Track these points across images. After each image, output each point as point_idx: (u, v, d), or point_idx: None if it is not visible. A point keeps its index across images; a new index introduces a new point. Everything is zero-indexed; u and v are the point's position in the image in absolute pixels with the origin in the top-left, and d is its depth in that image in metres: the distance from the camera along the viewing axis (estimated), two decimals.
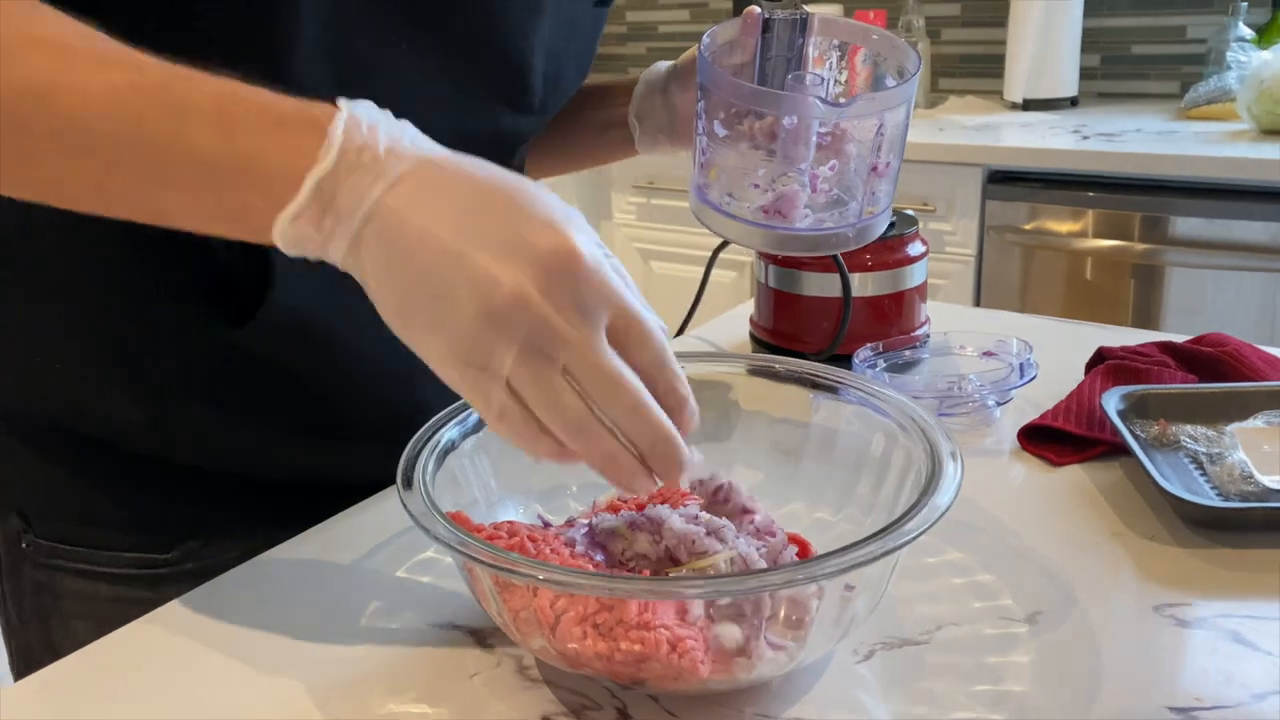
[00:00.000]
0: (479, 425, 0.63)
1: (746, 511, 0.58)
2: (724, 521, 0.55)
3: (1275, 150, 1.82)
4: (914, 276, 0.94)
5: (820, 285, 0.92)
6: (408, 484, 0.56)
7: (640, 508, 0.64)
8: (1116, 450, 0.77)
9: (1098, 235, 1.99)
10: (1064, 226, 2.01)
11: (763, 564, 0.54)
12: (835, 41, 0.75)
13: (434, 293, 0.45)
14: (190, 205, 0.48)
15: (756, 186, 0.74)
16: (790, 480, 0.69)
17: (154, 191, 0.48)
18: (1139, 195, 1.93)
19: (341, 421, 0.74)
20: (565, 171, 0.98)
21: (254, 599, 0.66)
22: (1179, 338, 0.91)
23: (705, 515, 0.56)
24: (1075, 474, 0.76)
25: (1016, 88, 2.29)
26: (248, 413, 0.72)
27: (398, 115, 0.48)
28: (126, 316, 0.68)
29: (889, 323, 0.94)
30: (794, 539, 0.60)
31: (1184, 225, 1.91)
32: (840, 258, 0.89)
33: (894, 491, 0.59)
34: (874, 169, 0.73)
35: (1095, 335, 1.00)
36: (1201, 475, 0.71)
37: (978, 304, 2.12)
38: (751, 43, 0.74)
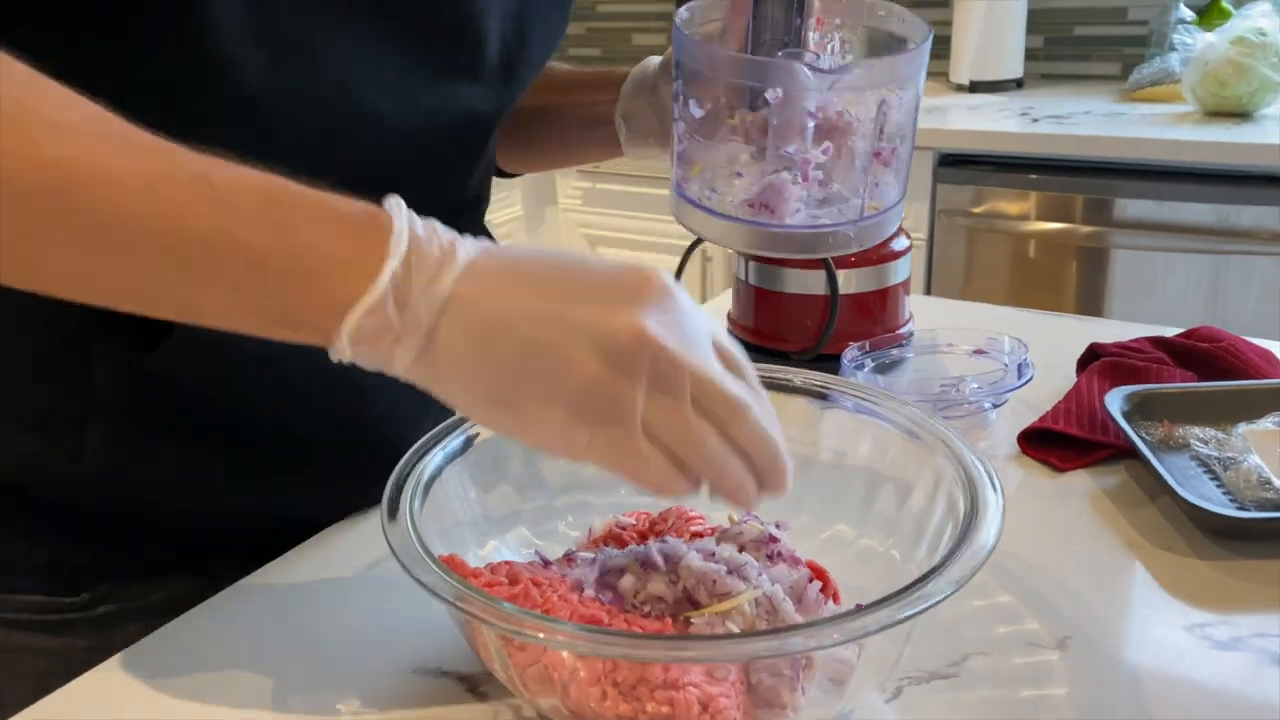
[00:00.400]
0: (463, 448, 0.58)
1: (773, 539, 0.54)
2: (745, 558, 0.51)
3: (1219, 132, 1.83)
4: (899, 272, 0.90)
5: (804, 282, 0.88)
6: (392, 514, 0.50)
7: (641, 535, 0.59)
8: (1120, 453, 0.74)
9: (1042, 218, 1.99)
10: (1010, 209, 2.01)
11: (789, 603, 0.49)
12: (838, 21, 0.68)
13: (540, 361, 0.43)
14: (233, 304, 0.44)
15: (740, 176, 0.66)
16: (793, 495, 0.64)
17: (192, 290, 0.43)
18: (1084, 178, 1.93)
19: (271, 453, 0.66)
20: (548, 168, 0.92)
21: (207, 648, 0.59)
22: (1169, 331, 0.89)
23: (724, 549, 0.52)
24: (1080, 480, 0.73)
25: (963, 70, 2.28)
26: (161, 444, 0.64)
27: (344, 96, 0.44)
28: (7, 341, 0.61)
29: (874, 320, 0.90)
30: (811, 567, 0.55)
31: (1128, 207, 1.91)
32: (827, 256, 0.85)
33: (921, 511, 0.55)
34: (877, 155, 0.66)
35: (1083, 329, 0.97)
36: (1212, 480, 0.69)
37: (928, 290, 2.11)
38: (742, 23, 0.67)
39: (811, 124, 0.64)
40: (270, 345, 0.59)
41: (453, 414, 0.72)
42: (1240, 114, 1.90)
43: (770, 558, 0.54)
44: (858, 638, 0.40)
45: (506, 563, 0.51)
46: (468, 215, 0.74)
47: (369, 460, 0.65)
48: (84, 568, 0.66)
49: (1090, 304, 1.99)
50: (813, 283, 0.88)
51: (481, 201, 0.75)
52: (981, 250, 2.06)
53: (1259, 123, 1.87)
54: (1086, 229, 1.96)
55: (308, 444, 0.65)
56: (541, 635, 0.41)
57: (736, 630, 0.48)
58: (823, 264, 0.86)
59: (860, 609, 0.42)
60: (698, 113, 0.65)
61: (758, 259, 0.90)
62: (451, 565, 0.49)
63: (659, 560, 0.51)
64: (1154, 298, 1.92)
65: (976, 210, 2.03)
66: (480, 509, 0.58)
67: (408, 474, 0.53)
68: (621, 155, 0.80)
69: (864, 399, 0.62)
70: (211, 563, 0.66)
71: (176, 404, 0.62)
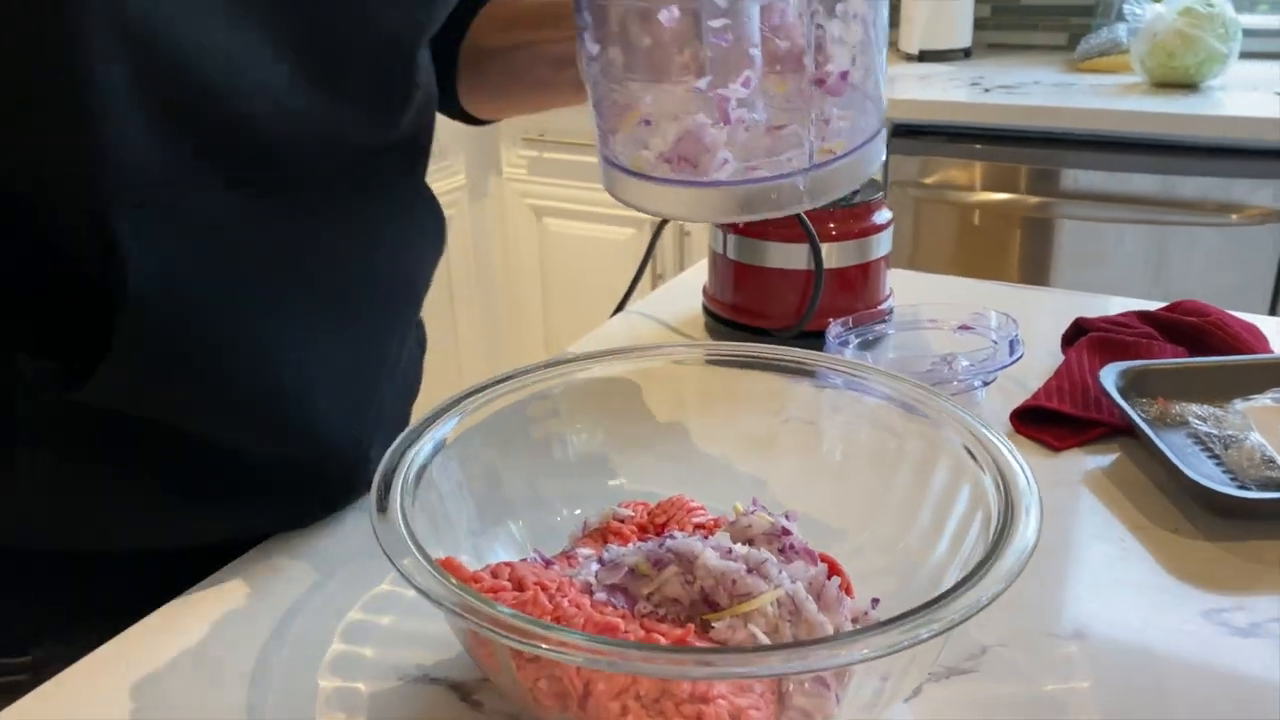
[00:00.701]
0: (453, 436, 0.53)
1: (785, 532, 0.51)
2: (765, 555, 0.47)
3: (1167, 103, 1.84)
4: (881, 246, 0.88)
5: (785, 256, 0.85)
6: (382, 509, 0.46)
7: (640, 529, 0.56)
8: (1114, 431, 0.73)
9: (989, 188, 1.99)
10: (957, 179, 2.00)
11: (811, 602, 0.46)
12: None
13: None
14: None
15: (647, 124, 0.52)
16: (789, 478, 0.61)
17: None
18: (1031, 148, 1.93)
19: (208, 470, 0.61)
20: (516, 114, 0.85)
21: (156, 661, 0.54)
22: (1151, 304, 0.88)
23: (740, 547, 0.48)
24: (1077, 459, 0.71)
25: (913, 39, 2.26)
26: (93, 469, 0.58)
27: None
28: None
29: (856, 296, 0.87)
30: (824, 560, 0.52)
31: (1075, 178, 1.92)
32: (808, 224, 0.82)
33: (941, 498, 0.53)
34: (819, 82, 0.50)
35: (1066, 303, 0.96)
36: (1210, 458, 0.68)
37: None
38: None
39: (756, 49, 0.50)
40: (208, 359, 0.54)
41: (401, 416, 0.69)
42: (1188, 85, 1.92)
43: (783, 551, 0.51)
44: (908, 646, 0.37)
45: (508, 564, 0.47)
46: (400, 156, 0.65)
47: (314, 470, 0.61)
48: (25, 621, 0.61)
49: (1036, 274, 2.01)
50: (795, 257, 0.84)
51: (419, 151, 0.67)
52: (928, 221, 2.06)
53: (1206, 94, 1.88)
54: (1033, 199, 1.97)
55: (249, 460, 0.61)
56: (560, 650, 0.37)
57: (760, 633, 0.45)
58: (805, 237, 0.83)
59: (911, 614, 0.39)
60: (593, 49, 0.53)
61: (735, 230, 0.87)
62: (450, 569, 0.45)
63: (673, 559, 0.47)
64: (1099, 268, 1.94)
65: (927, 181, 2.02)
66: (472, 506, 0.54)
67: (396, 465, 0.49)
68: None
69: (862, 377, 0.59)
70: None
71: (108, 427, 0.56)
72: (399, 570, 0.42)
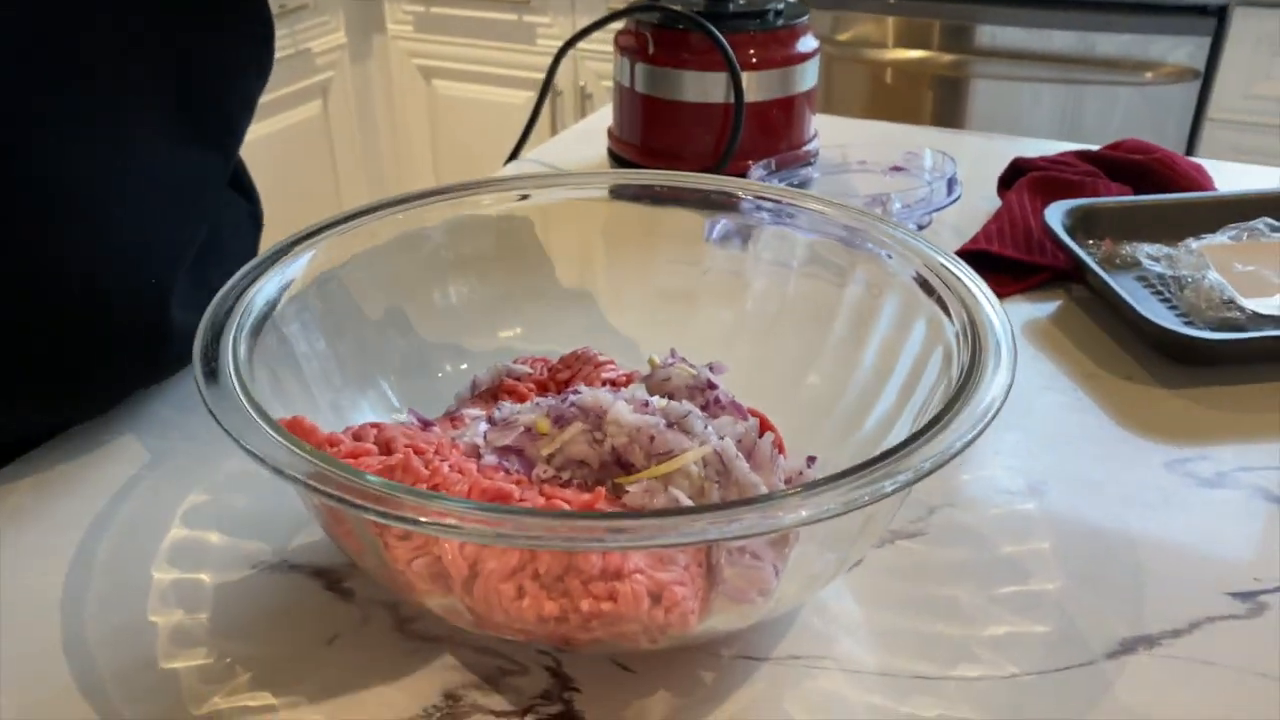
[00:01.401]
0: (303, 279, 0.44)
1: (710, 385, 0.43)
2: (688, 407, 0.39)
3: None
4: (805, 78, 0.79)
5: (701, 88, 0.75)
6: (211, 375, 0.36)
7: (541, 386, 0.47)
8: (1057, 276, 0.67)
9: (901, 45, 1.92)
10: (869, 35, 1.92)
11: (742, 460, 0.39)
12: None
13: None
14: None
15: None
16: (711, 328, 0.54)
17: None
18: (944, 2, 1.85)
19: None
20: None
21: None
22: (1092, 146, 0.81)
23: (659, 399, 0.40)
24: (1019, 307, 0.65)
25: None
26: None
27: None
28: None
29: (778, 136, 0.79)
30: (754, 415, 0.45)
31: (989, 34, 1.85)
32: (727, 48, 0.72)
33: (889, 340, 0.45)
34: None
35: (1001, 146, 0.89)
36: (1161, 301, 0.62)
37: None
38: None
39: None
40: None
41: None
42: None
43: (706, 407, 0.43)
44: (865, 504, 0.30)
45: (374, 425, 0.38)
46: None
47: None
48: None
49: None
50: (712, 89, 0.75)
51: None
52: (840, 80, 1.97)
53: None
54: (947, 57, 1.90)
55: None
56: (438, 524, 0.29)
57: (683, 496, 0.37)
58: (723, 65, 0.73)
59: (864, 467, 0.31)
60: None
61: (643, 58, 0.76)
62: (298, 431, 0.36)
63: (578, 414, 0.39)
64: (1013, 129, 1.89)
65: (840, 38, 1.93)
66: (331, 360, 0.45)
67: (227, 313, 0.39)
68: None
69: (793, 204, 0.51)
70: None
71: None
72: (223, 427, 0.33)
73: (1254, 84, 1.66)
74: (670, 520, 0.29)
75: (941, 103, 1.95)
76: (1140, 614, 0.42)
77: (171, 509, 0.47)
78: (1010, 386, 0.35)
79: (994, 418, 0.34)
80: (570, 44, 0.81)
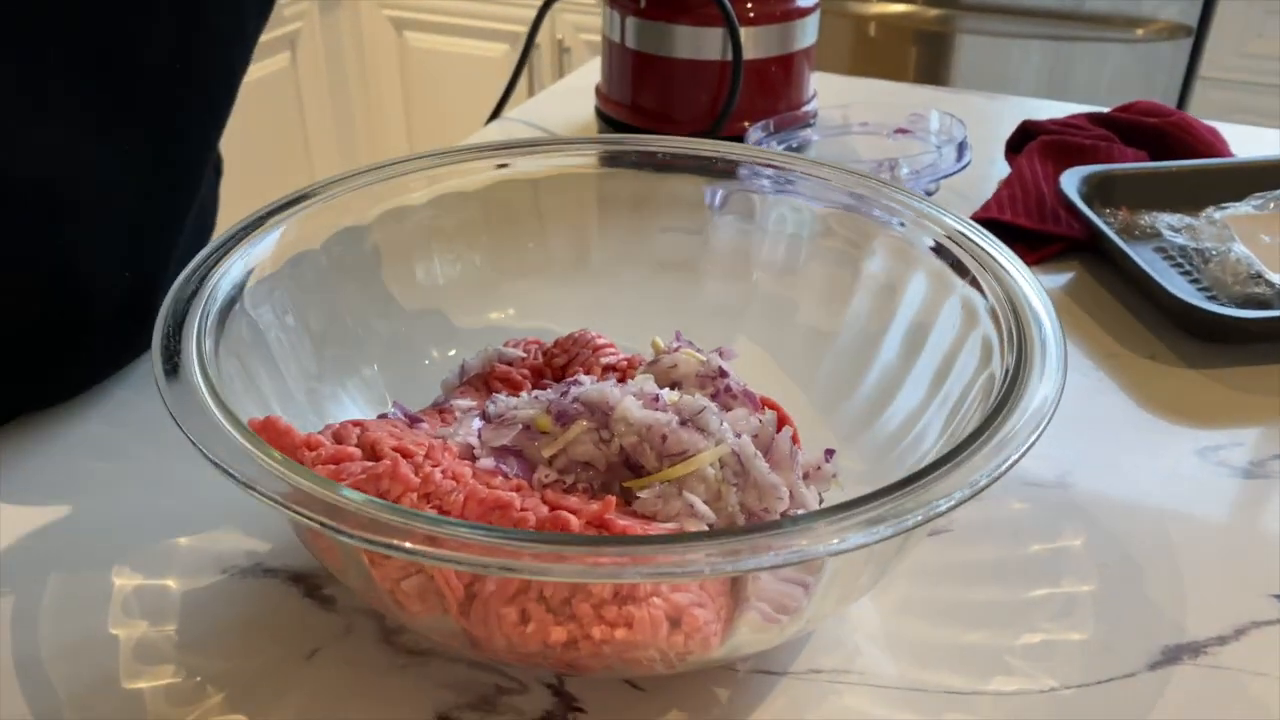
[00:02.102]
0: (279, 246, 0.40)
1: (722, 374, 0.39)
2: (702, 402, 0.36)
3: None
4: (805, 34, 0.74)
5: (697, 44, 0.71)
6: (173, 371, 0.32)
7: (536, 372, 0.43)
8: (1072, 246, 0.64)
9: None
10: None
11: (761, 461, 0.35)
12: None
13: None
14: None
15: None
16: (715, 307, 0.50)
17: None
18: None
19: None
20: None
21: None
22: (1102, 108, 0.78)
23: (670, 393, 0.37)
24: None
25: None
26: None
27: None
28: None
29: (776, 95, 0.75)
30: (768, 406, 0.42)
31: None
32: (729, 6, 0.68)
33: (916, 323, 0.42)
34: None
35: (1007, 108, 0.85)
36: (1181, 273, 0.59)
37: None
38: None
39: None
40: None
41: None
42: None
43: (716, 396, 0.40)
44: (916, 525, 0.27)
45: (355, 423, 0.35)
46: None
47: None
48: None
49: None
50: (708, 45, 0.71)
51: None
52: (822, 34, 1.92)
53: None
54: (932, 11, 1.86)
55: None
56: (432, 551, 0.25)
57: (698, 502, 0.34)
58: (720, 19, 0.69)
59: (913, 482, 0.28)
60: None
61: (635, 11, 0.72)
62: (272, 434, 0.32)
63: (582, 411, 0.35)
64: (1000, 87, 1.85)
65: None
66: (307, 347, 0.41)
67: (190, 299, 0.35)
68: None
69: (802, 173, 0.47)
70: None
71: None
72: (189, 438, 0.29)
73: (1247, 42, 1.63)
74: (703, 544, 0.26)
75: (926, 59, 1.91)
76: (1181, 619, 0.39)
77: (132, 506, 0.44)
78: (1063, 387, 0.32)
79: (1045, 425, 0.31)
80: (540, 21, 0.76)
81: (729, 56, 0.70)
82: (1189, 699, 0.36)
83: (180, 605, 0.39)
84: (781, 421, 0.40)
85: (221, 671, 0.36)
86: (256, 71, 1.97)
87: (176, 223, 0.48)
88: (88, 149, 0.42)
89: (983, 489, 0.28)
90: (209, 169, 0.53)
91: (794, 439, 0.41)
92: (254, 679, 0.36)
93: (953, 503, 0.27)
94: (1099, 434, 0.49)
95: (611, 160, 0.50)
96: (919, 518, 0.27)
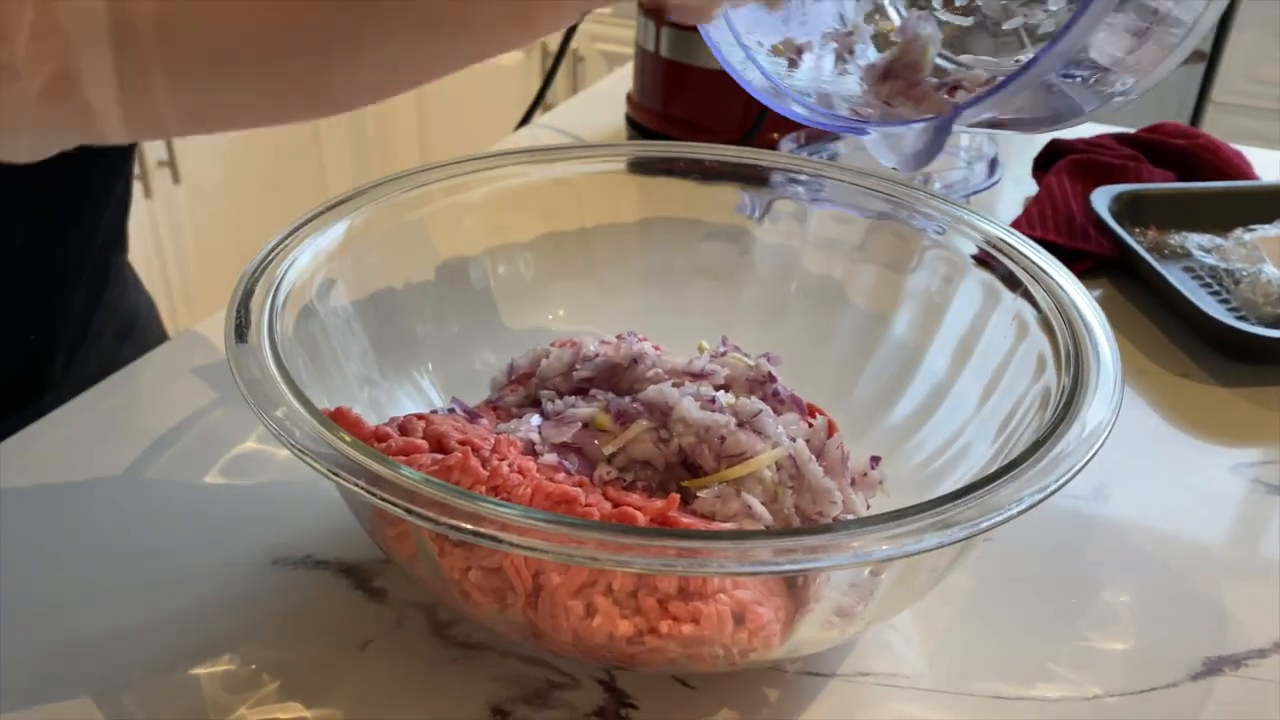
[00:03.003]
0: (344, 244, 0.40)
1: (771, 378, 0.40)
2: (758, 405, 0.37)
3: None
4: None
5: None
6: (241, 336, 0.33)
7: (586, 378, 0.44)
8: (1101, 264, 0.64)
9: None
10: None
11: (815, 464, 0.36)
12: None
13: None
14: None
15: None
16: (756, 313, 0.51)
17: None
18: None
19: None
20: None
21: None
22: (1128, 129, 0.78)
23: (726, 395, 0.37)
24: None
25: None
26: None
27: None
28: None
29: None
30: (815, 413, 0.42)
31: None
32: None
33: (965, 333, 0.42)
34: None
35: None
36: (1211, 292, 0.60)
37: None
38: None
39: None
40: None
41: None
42: None
43: (764, 400, 0.40)
44: (982, 530, 0.27)
45: (420, 416, 0.35)
46: None
47: None
48: None
49: None
50: None
51: None
52: None
53: None
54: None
55: None
56: (521, 540, 0.26)
57: (756, 503, 0.34)
58: None
59: (975, 490, 0.29)
60: None
61: (671, 23, 0.73)
62: (343, 424, 0.33)
63: (641, 411, 0.36)
64: None
65: None
66: (363, 337, 0.41)
67: (257, 282, 0.36)
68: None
69: (844, 182, 0.48)
70: None
71: None
72: (270, 427, 0.30)
73: (1259, 67, 1.64)
74: (792, 542, 0.26)
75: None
76: (1221, 632, 0.40)
77: (184, 493, 0.44)
78: (1121, 401, 0.33)
79: (1107, 435, 0.31)
80: (568, 41, 0.77)
81: None
82: (1231, 709, 0.36)
83: (235, 594, 0.40)
84: (831, 428, 0.41)
85: (276, 661, 0.37)
86: None
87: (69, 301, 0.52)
88: None
89: (1048, 497, 0.29)
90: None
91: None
92: (308, 669, 0.37)
93: (1021, 508, 0.28)
94: (1134, 449, 0.49)
95: (657, 167, 0.50)
96: (988, 522, 0.27)
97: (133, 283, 0.63)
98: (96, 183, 0.53)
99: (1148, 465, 0.48)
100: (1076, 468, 0.29)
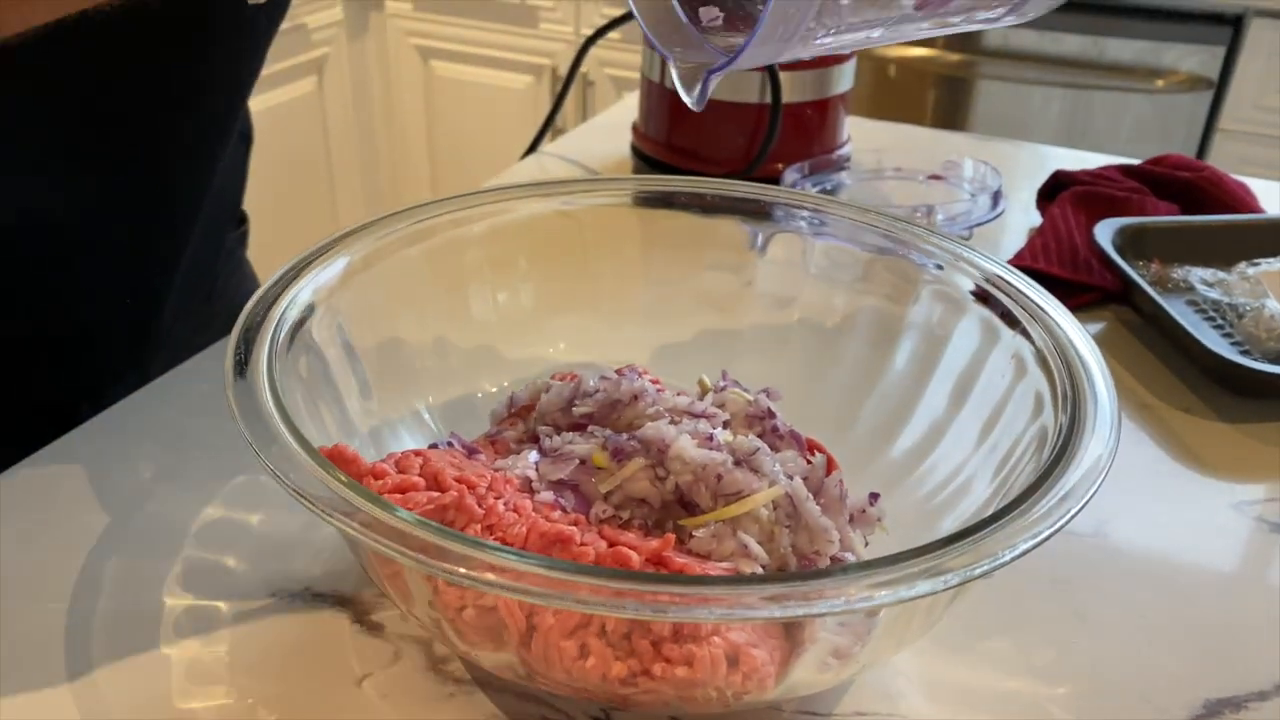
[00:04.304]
0: (345, 279, 0.40)
1: (769, 414, 0.40)
2: (756, 443, 0.37)
3: None
4: (843, 79, 0.76)
5: (735, 87, 0.72)
6: (240, 372, 0.33)
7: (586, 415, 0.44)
8: (1104, 297, 0.64)
9: (907, 42, 1.90)
10: None
11: (813, 504, 0.36)
12: None
13: None
14: None
15: None
16: (756, 348, 0.51)
17: None
18: None
19: None
20: None
21: None
22: (1133, 160, 0.79)
23: (723, 433, 0.37)
24: None
25: None
26: None
27: None
28: None
29: (811, 139, 0.76)
30: (815, 449, 0.42)
31: (1001, 34, 1.83)
32: None
33: (965, 375, 0.42)
34: None
35: (1038, 156, 0.86)
36: (1214, 327, 0.60)
37: None
38: None
39: None
40: None
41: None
42: None
43: (763, 437, 0.40)
44: (980, 575, 0.27)
45: (417, 453, 0.35)
46: None
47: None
48: None
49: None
50: (746, 88, 0.72)
51: None
52: None
53: None
54: (954, 56, 1.88)
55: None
56: (511, 584, 0.26)
57: (752, 542, 0.34)
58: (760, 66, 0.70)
59: (975, 533, 0.28)
60: None
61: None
62: (339, 463, 0.33)
63: (638, 449, 0.36)
64: (1018, 133, 1.87)
65: None
66: (362, 371, 0.41)
67: (263, 318, 0.36)
68: None
69: (843, 218, 0.48)
70: None
71: None
72: (266, 465, 0.30)
73: (1266, 95, 1.65)
74: (765, 589, 0.26)
75: (945, 102, 1.93)
76: (1221, 674, 0.39)
77: (183, 526, 0.44)
78: (1119, 440, 0.33)
79: (1105, 473, 0.31)
80: (598, 35, 0.78)
81: (767, 99, 0.71)
82: None
83: (231, 627, 0.40)
84: (830, 465, 0.41)
85: (273, 695, 0.37)
86: (283, 95, 1.99)
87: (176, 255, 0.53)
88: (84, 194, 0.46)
89: (1045, 539, 0.29)
90: (232, 145, 0.56)
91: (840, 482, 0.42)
92: (305, 703, 0.37)
93: (1015, 554, 0.28)
94: (1135, 485, 0.49)
95: (660, 200, 0.51)
96: (985, 567, 0.27)
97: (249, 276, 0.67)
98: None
99: (1149, 501, 0.48)
100: (1070, 514, 0.29)
